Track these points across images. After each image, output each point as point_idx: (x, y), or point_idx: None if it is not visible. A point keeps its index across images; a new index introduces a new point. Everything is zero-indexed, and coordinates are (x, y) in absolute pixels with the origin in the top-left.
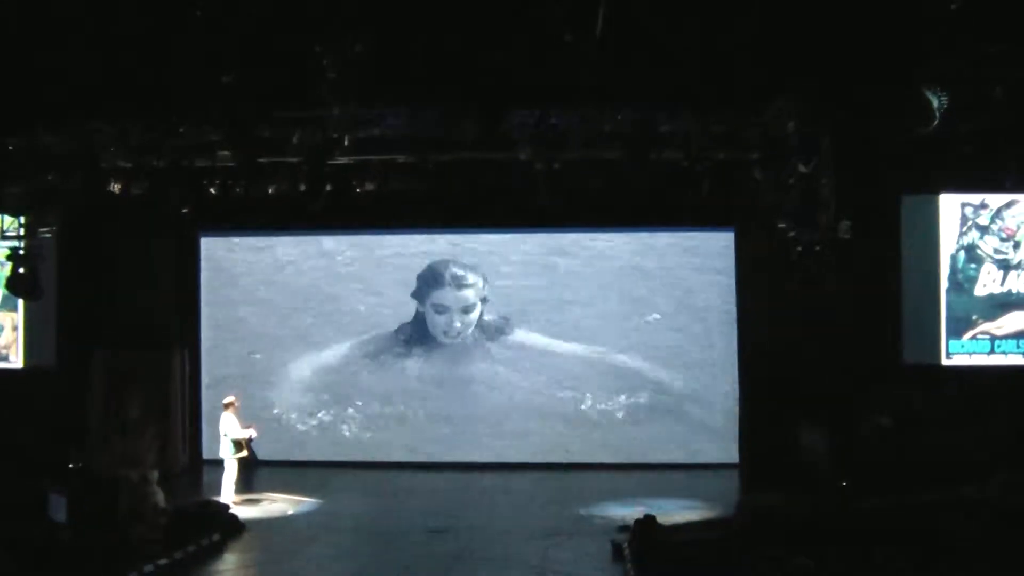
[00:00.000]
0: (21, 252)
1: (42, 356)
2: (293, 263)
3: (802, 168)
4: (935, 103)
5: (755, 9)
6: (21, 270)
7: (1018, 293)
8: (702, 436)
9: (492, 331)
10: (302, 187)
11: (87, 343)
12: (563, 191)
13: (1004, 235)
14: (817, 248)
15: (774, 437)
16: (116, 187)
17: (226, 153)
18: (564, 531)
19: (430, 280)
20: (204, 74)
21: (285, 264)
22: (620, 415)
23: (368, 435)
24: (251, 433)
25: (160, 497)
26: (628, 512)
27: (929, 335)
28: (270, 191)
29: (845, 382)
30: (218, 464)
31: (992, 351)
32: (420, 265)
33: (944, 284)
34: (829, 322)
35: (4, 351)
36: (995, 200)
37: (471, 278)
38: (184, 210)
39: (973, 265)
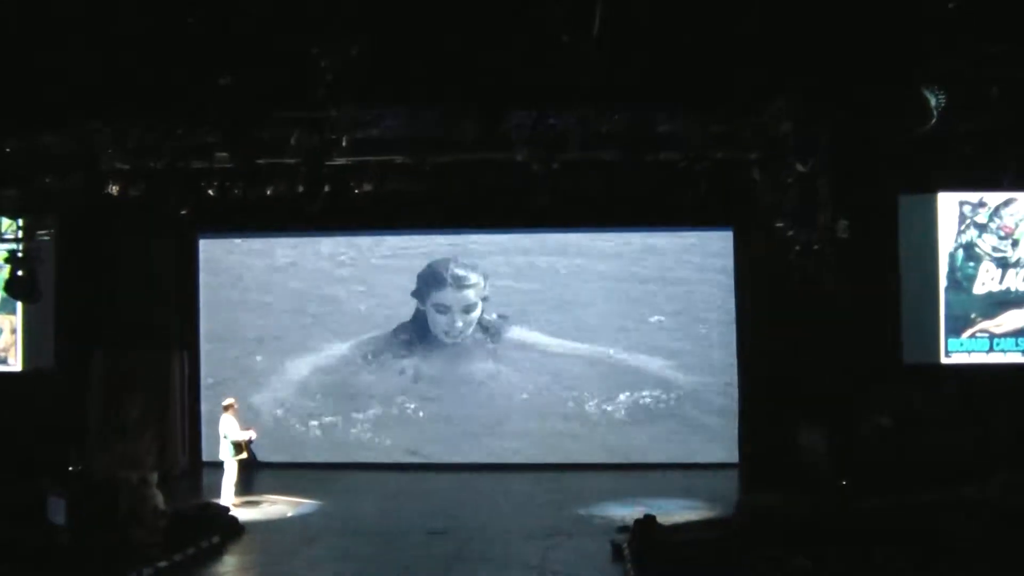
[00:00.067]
0: (20, 254)
1: (41, 358)
2: (292, 264)
3: (800, 168)
4: (933, 102)
5: (753, 9)
6: (20, 272)
7: (1017, 291)
8: (701, 436)
9: (492, 331)
10: (300, 188)
11: (86, 345)
12: (561, 192)
13: (1002, 233)
14: (815, 248)
15: (773, 437)
16: (114, 189)
17: (224, 155)
18: (564, 531)
19: (431, 280)
20: (202, 76)
21: (284, 265)
22: (619, 415)
23: (368, 436)
24: (251, 435)
25: (159, 499)
26: (628, 512)
27: (928, 334)
28: (268, 192)
29: (844, 381)
30: (218, 466)
31: (991, 349)
32: (419, 266)
33: (943, 283)
34: (828, 321)
35: (3, 353)
36: (993, 198)
37: (472, 278)
38: (183, 212)
39: (971, 263)
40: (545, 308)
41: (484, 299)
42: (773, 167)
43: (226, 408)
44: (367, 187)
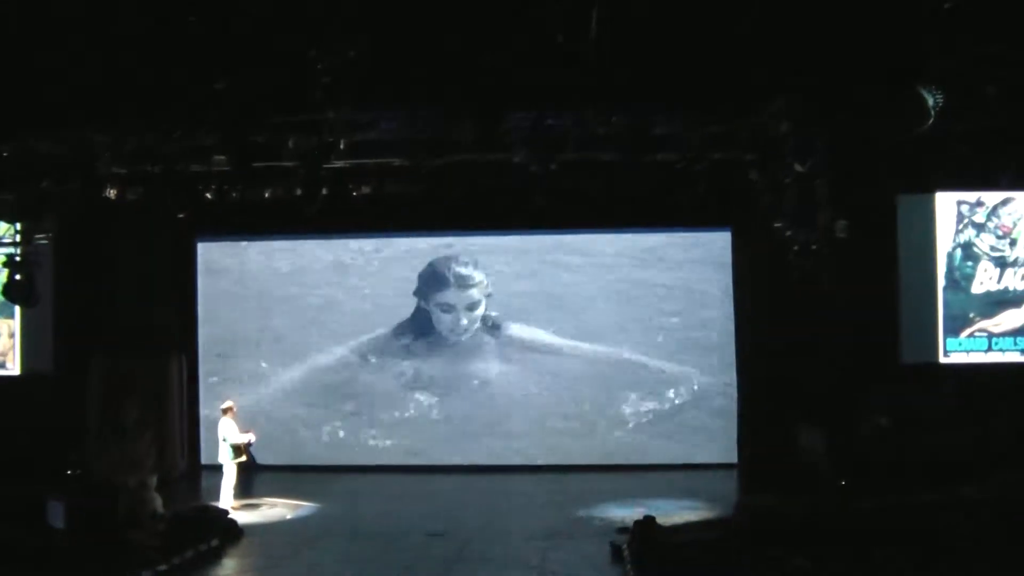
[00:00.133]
0: (17, 258)
1: (39, 362)
2: (290, 267)
3: (798, 168)
4: (930, 102)
5: (751, 9)
6: (18, 277)
7: (1015, 290)
8: (701, 436)
9: (494, 330)
10: (298, 191)
11: (84, 349)
12: (560, 193)
13: (1000, 232)
14: (814, 248)
15: (773, 437)
16: (112, 193)
17: (221, 158)
18: (563, 532)
19: (433, 280)
20: (200, 78)
21: (282, 268)
22: (619, 416)
23: (367, 438)
24: (250, 438)
25: (158, 502)
26: (627, 513)
27: (927, 333)
28: (266, 195)
29: (843, 381)
30: (217, 469)
31: (989, 348)
32: (418, 267)
33: (941, 282)
34: (827, 321)
35: (1, 357)
36: (991, 198)
37: (475, 276)
38: (180, 215)
39: (970, 263)
40: (543, 309)
41: (488, 295)
42: (771, 167)
43: (225, 411)
44: (365, 189)
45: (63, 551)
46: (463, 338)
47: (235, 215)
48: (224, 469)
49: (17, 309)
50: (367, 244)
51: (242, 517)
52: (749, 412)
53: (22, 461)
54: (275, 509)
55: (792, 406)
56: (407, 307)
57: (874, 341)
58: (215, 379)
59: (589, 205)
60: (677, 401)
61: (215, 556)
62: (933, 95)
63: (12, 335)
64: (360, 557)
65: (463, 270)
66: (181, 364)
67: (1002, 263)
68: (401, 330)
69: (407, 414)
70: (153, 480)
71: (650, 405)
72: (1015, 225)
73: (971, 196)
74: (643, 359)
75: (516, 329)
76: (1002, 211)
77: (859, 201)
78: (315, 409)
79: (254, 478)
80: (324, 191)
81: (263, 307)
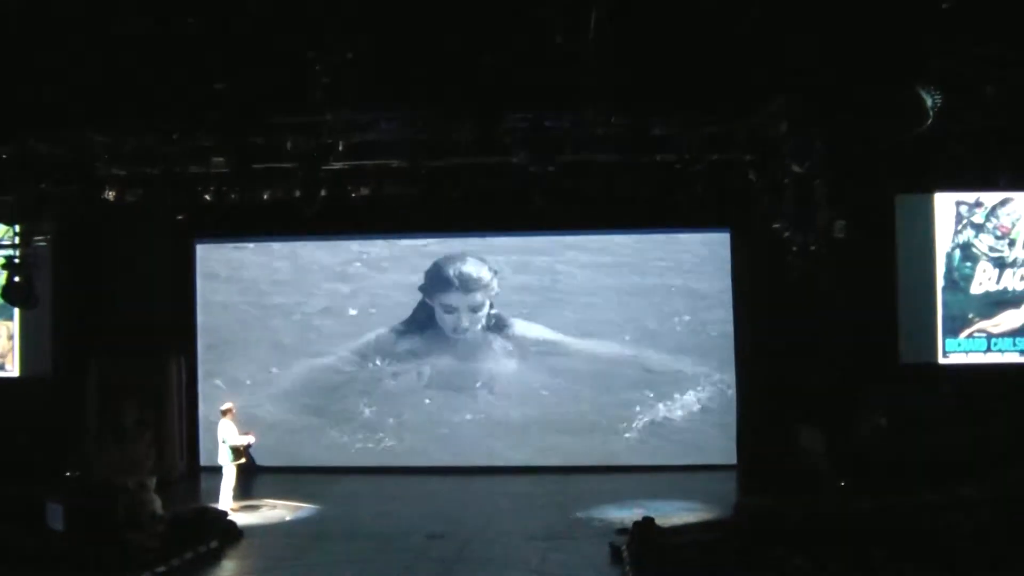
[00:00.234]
0: (16, 261)
1: (38, 364)
2: (289, 268)
3: (796, 169)
4: (929, 103)
5: (750, 10)
6: (16, 279)
7: (1014, 291)
8: (700, 437)
9: (491, 333)
10: (297, 193)
11: (83, 350)
12: (559, 194)
13: (999, 233)
14: (813, 248)
15: (772, 438)
16: (111, 195)
17: (220, 160)
18: (563, 534)
19: (437, 280)
20: (198, 79)
21: (281, 269)
22: (618, 416)
23: (366, 440)
24: (249, 439)
25: (157, 504)
26: (626, 514)
27: (926, 334)
28: (265, 197)
29: (843, 382)
30: (216, 471)
31: (988, 349)
32: (418, 268)
33: (940, 283)
34: (826, 322)
35: (0, 359)
36: (990, 198)
37: (479, 279)
38: (179, 217)
39: (968, 263)
40: (542, 310)
41: (495, 295)
42: (770, 168)
43: (224, 412)
44: (364, 191)
45: (62, 552)
46: (464, 336)
47: (234, 217)
48: (224, 471)
49: (16, 311)
50: (366, 245)
51: (241, 519)
52: (748, 412)
53: (21, 462)
54: (275, 511)
55: (792, 406)
56: (406, 308)
57: (873, 341)
58: (214, 380)
59: (588, 206)
60: (676, 402)
61: (214, 558)
62: (932, 96)
63: (11, 337)
64: (359, 558)
65: (467, 272)
66: (180, 365)
67: (1001, 264)
68: (401, 331)
69: (407, 415)
70: (152, 481)
71: (649, 406)
72: (1014, 226)
73: (970, 197)
74: (642, 360)
75: (515, 330)
76: (1001, 212)
77: (858, 201)
78: (314, 410)
79: (254, 480)
80: (323, 193)
81: (262, 308)
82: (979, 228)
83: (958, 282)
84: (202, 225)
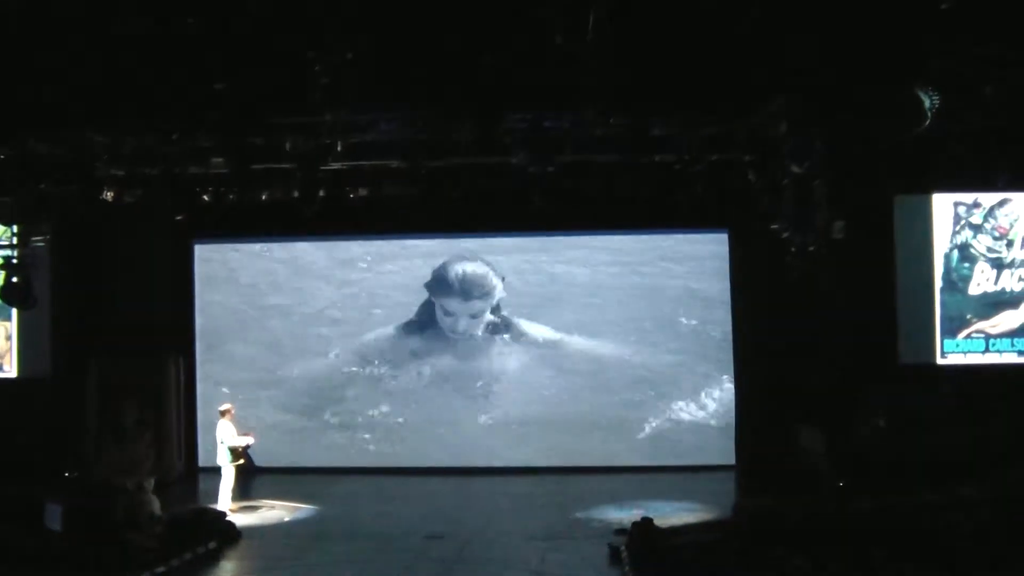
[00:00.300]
0: (14, 261)
1: (37, 365)
2: (288, 269)
3: (796, 169)
4: (927, 103)
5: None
6: (15, 279)
7: (1012, 292)
8: (699, 438)
9: (491, 334)
10: (296, 193)
11: (82, 351)
12: (558, 194)
13: (997, 234)
14: (812, 249)
15: (771, 438)
16: (109, 195)
17: (219, 160)
18: (562, 534)
19: (441, 282)
20: (197, 79)
21: (280, 270)
22: (617, 416)
23: (366, 441)
24: (248, 440)
25: (156, 505)
26: (625, 515)
27: (924, 334)
28: (264, 197)
29: (842, 382)
30: (214, 472)
31: (987, 350)
32: (417, 268)
33: (938, 283)
34: (825, 322)
35: None
36: (988, 199)
37: (482, 285)
38: (178, 217)
39: (967, 264)
40: (542, 310)
41: (495, 303)
42: (770, 168)
43: (223, 413)
44: (363, 191)
45: (61, 552)
46: (463, 337)
47: (233, 217)
48: (223, 472)
49: (15, 311)
50: (366, 246)
51: (240, 519)
52: (748, 412)
53: (21, 462)
54: (273, 511)
55: (791, 406)
56: (406, 308)
57: (872, 342)
58: (213, 381)
59: (587, 206)
60: (675, 402)
61: (213, 558)
62: (930, 96)
63: (9, 337)
64: (359, 558)
65: (471, 278)
66: (179, 366)
67: (999, 264)
68: (401, 331)
69: (407, 415)
70: (151, 482)
71: (648, 406)
72: (1012, 226)
73: (968, 197)
74: (641, 360)
75: (514, 330)
76: (999, 212)
77: (857, 202)
78: (314, 411)
79: (252, 480)
80: (321, 193)
81: (261, 309)
82: (977, 229)
83: (956, 283)
84: (201, 225)
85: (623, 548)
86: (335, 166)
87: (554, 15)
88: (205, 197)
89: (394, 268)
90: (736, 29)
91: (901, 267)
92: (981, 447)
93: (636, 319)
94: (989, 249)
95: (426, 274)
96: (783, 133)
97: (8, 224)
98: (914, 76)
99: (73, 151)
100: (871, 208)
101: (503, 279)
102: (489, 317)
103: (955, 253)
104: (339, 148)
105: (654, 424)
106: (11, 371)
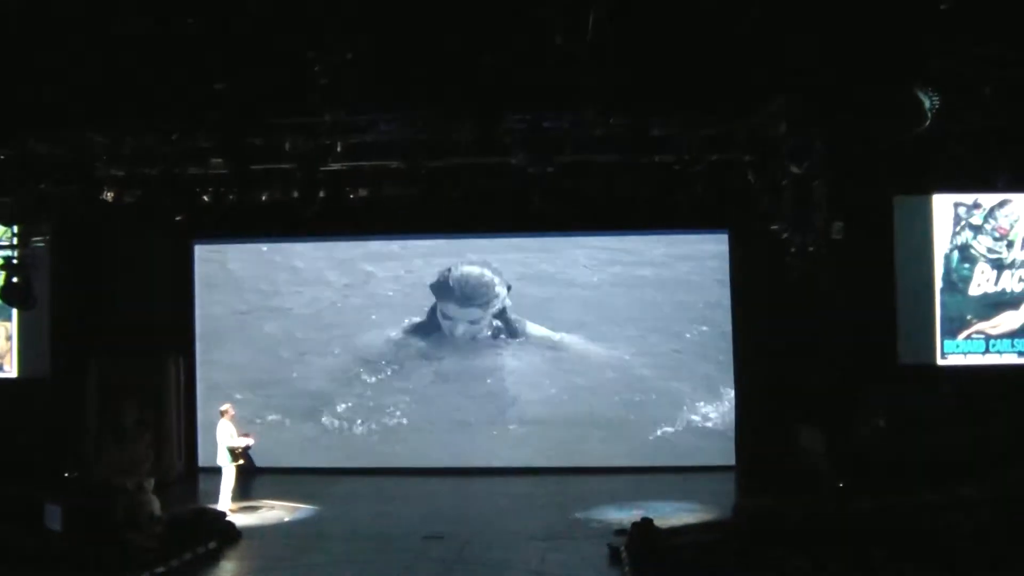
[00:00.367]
0: (14, 261)
1: (36, 365)
2: (288, 269)
3: (795, 169)
4: (927, 104)
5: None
6: (15, 279)
7: (1012, 292)
8: (699, 438)
9: (492, 336)
10: (295, 194)
11: (82, 351)
12: (558, 194)
13: (997, 234)
14: (811, 249)
15: (771, 439)
16: (109, 195)
17: (219, 160)
18: (562, 534)
19: (444, 285)
20: (197, 80)
21: (279, 270)
22: (617, 417)
23: (366, 441)
24: (248, 441)
25: (156, 505)
26: (625, 515)
27: (924, 335)
28: (263, 198)
29: (842, 382)
30: (214, 472)
31: (987, 351)
32: (416, 269)
33: (938, 284)
34: (825, 322)
35: None
36: (988, 200)
37: (484, 294)
38: (178, 218)
39: (967, 265)
40: (542, 310)
41: (496, 311)
42: (769, 169)
43: (223, 414)
44: (362, 192)
45: (61, 552)
46: (463, 339)
47: (232, 218)
48: (223, 472)
49: (15, 312)
50: (366, 246)
51: (240, 519)
52: (748, 412)
53: (21, 462)
54: (273, 511)
55: (791, 406)
56: (406, 309)
57: (872, 342)
58: (213, 381)
59: (587, 207)
60: (675, 403)
61: (213, 558)
62: (930, 97)
63: (9, 338)
64: (359, 558)
65: (472, 285)
66: (179, 366)
67: (999, 265)
68: (401, 332)
69: (407, 416)
70: (150, 482)
71: (648, 406)
72: (1012, 227)
73: (968, 198)
74: (641, 360)
75: (514, 331)
76: (999, 213)
77: (857, 202)
78: (313, 411)
79: (252, 480)
80: (321, 194)
81: (260, 310)
82: (977, 229)
83: (956, 283)
84: (201, 226)
85: (623, 548)
86: (335, 166)
87: (554, 15)
88: (205, 197)
89: (394, 268)
90: (736, 29)
91: (901, 267)
92: (981, 447)
93: (636, 319)
94: (989, 250)
95: (426, 274)
96: (783, 133)
97: (8, 224)
98: (914, 76)
99: (73, 151)
100: (871, 208)
101: (509, 288)
102: (490, 322)
103: (955, 254)
104: (339, 148)
105: (654, 424)
106: (11, 371)
